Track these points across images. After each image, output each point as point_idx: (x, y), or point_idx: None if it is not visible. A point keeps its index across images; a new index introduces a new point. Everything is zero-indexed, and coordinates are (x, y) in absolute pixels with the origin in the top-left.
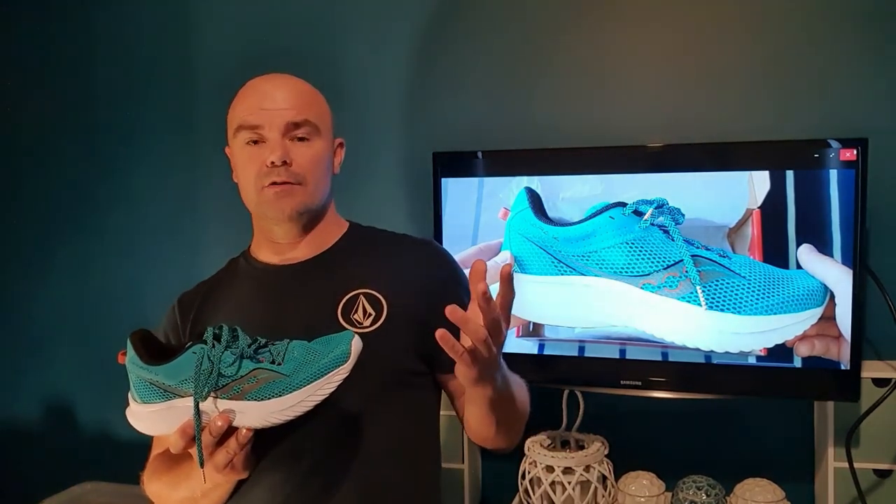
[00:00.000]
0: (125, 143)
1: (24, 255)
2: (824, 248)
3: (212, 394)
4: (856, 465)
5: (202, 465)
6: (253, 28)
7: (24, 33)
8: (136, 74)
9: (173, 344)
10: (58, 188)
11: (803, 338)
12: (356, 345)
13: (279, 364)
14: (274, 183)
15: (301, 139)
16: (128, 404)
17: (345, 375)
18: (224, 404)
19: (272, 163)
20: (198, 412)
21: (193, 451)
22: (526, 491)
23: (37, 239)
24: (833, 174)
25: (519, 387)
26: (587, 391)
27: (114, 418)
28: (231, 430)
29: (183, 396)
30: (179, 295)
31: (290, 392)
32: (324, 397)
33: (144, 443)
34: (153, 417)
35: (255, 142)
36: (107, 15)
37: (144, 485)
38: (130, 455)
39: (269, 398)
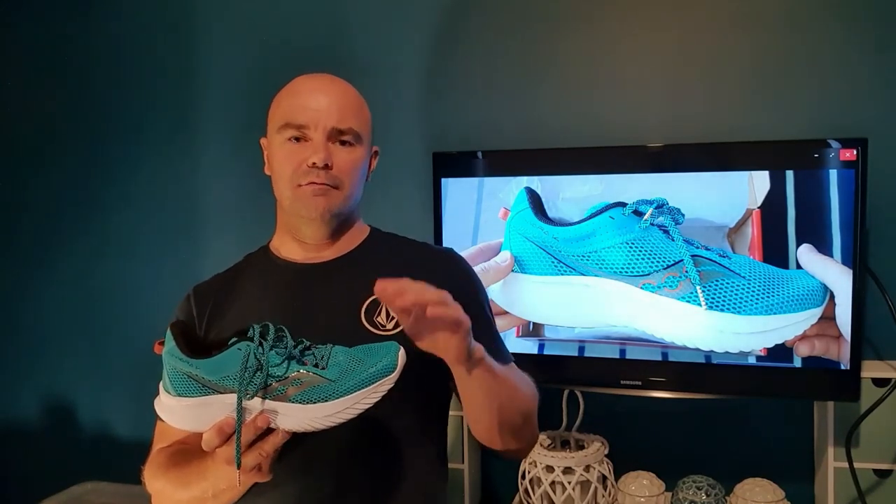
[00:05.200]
0: (127, 143)
1: (26, 256)
2: (824, 248)
3: (258, 393)
4: (856, 465)
5: (239, 465)
6: (255, 29)
7: (25, 33)
8: (138, 75)
9: (212, 339)
10: (59, 189)
11: (803, 338)
12: (402, 357)
13: (322, 368)
14: (312, 183)
15: (343, 143)
16: (157, 394)
17: (390, 386)
18: (267, 404)
19: (314, 163)
20: (240, 410)
21: (222, 449)
22: (526, 491)
23: (38, 239)
24: (833, 174)
25: (520, 379)
26: (587, 391)
27: (114, 418)
28: (263, 433)
29: (222, 393)
30: (194, 286)
31: (337, 398)
32: (368, 406)
33: (145, 443)
34: (186, 412)
35: (298, 139)
36: (109, 15)
37: (146, 480)
38: (130, 455)
39: (314, 402)
